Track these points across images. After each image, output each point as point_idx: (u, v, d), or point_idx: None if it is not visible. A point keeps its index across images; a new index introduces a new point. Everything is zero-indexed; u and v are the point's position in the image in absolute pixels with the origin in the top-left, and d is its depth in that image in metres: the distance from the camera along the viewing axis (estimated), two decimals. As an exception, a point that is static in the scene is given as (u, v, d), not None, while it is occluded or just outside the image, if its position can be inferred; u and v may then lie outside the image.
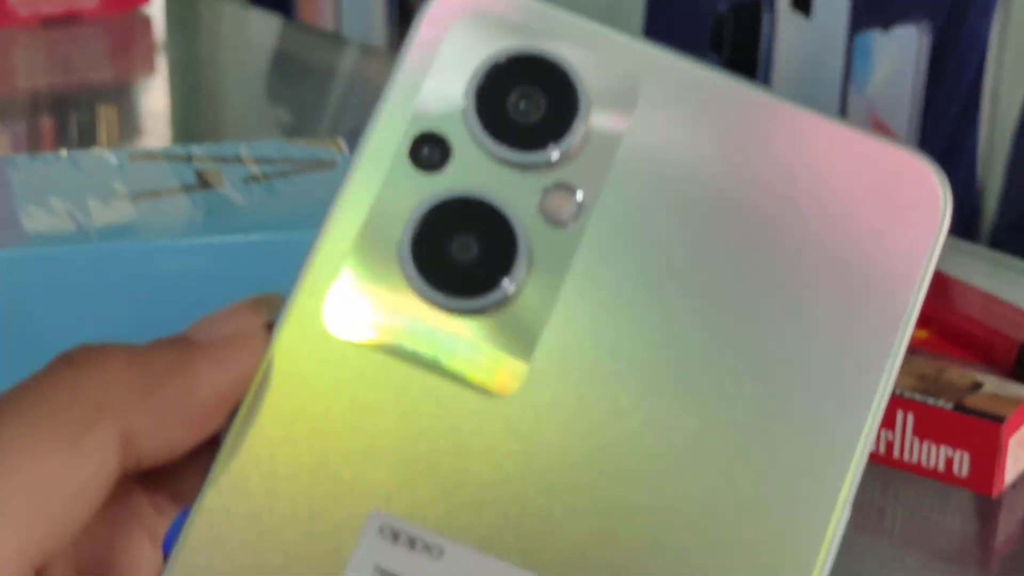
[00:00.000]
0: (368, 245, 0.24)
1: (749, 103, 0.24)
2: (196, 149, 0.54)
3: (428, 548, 0.24)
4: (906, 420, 0.62)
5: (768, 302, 0.24)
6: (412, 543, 0.24)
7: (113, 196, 0.50)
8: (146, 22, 0.98)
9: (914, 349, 0.64)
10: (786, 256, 0.24)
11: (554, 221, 0.24)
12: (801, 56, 0.83)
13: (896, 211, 0.24)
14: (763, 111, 0.24)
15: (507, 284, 0.24)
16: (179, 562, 0.24)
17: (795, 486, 0.23)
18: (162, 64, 0.96)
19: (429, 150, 0.24)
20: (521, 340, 0.24)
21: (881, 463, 0.63)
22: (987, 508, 0.61)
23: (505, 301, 0.24)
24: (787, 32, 0.82)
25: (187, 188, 0.51)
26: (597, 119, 0.24)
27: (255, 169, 0.52)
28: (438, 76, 0.24)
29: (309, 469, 0.24)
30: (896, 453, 0.62)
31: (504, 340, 0.24)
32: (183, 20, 1.00)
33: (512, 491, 0.24)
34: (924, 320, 0.66)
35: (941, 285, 0.68)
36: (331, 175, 0.52)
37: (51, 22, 0.94)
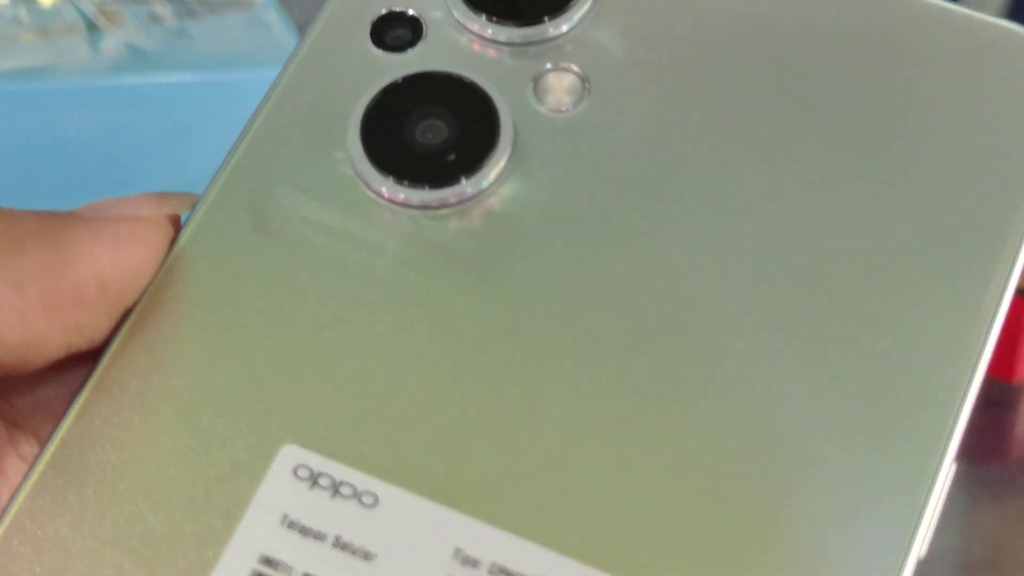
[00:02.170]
0: (311, 128, 0.21)
1: None
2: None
3: (357, 495, 0.18)
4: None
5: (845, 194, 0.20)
6: (336, 487, 0.18)
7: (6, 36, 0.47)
8: None
9: None
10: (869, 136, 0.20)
11: (550, 106, 0.20)
12: None
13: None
14: None
15: (485, 174, 0.20)
16: (23, 506, 0.19)
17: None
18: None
19: (396, 29, 0.21)
20: (501, 244, 0.20)
21: None
22: (1008, 397, 0.55)
23: (480, 196, 0.20)
24: None
25: (86, 28, 0.48)
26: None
27: (162, 8, 0.49)
28: None
29: (210, 391, 0.19)
30: None
31: (477, 243, 0.20)
32: None
33: (477, 424, 0.19)
34: None
35: None
36: (249, 16, 0.49)
37: None
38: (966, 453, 0.57)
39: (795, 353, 0.19)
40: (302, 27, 0.47)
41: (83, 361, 0.21)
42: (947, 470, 0.18)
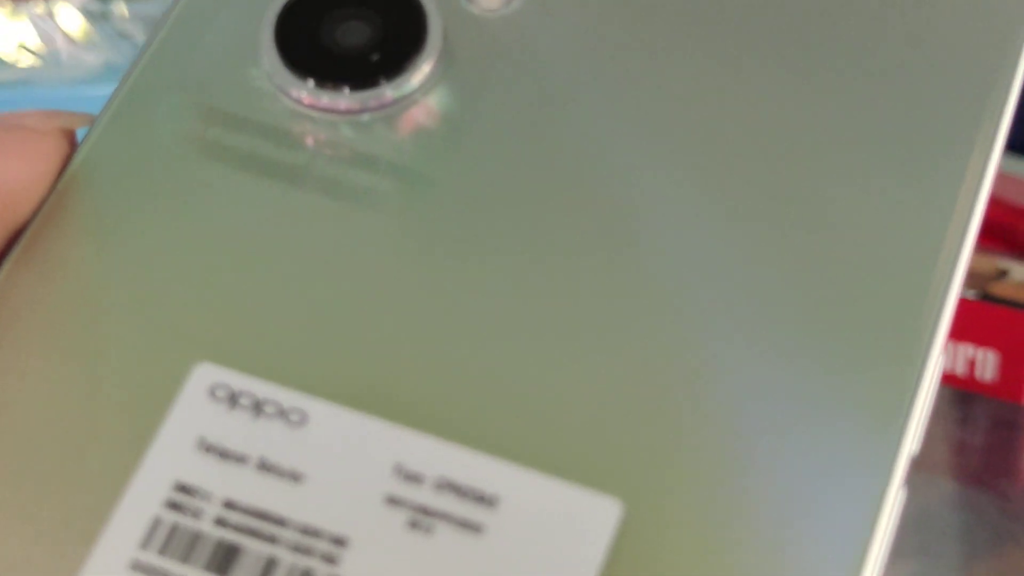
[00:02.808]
0: (218, 37, 0.19)
1: None
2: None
3: (283, 412, 0.16)
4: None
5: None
6: (257, 407, 0.16)
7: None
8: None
9: None
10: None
11: (479, 6, 0.19)
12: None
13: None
14: None
15: (410, 75, 0.18)
16: None
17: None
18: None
19: None
20: (427, 150, 0.18)
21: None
22: (1017, 419, 0.54)
23: (406, 99, 0.18)
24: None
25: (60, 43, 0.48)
26: None
27: (131, 26, 0.48)
28: None
29: (113, 312, 0.17)
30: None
31: (402, 150, 0.18)
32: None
33: (411, 332, 0.17)
34: None
35: None
36: None
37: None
38: (976, 476, 0.56)
39: (758, 252, 0.17)
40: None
41: None
42: (932, 371, 0.16)
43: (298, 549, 0.15)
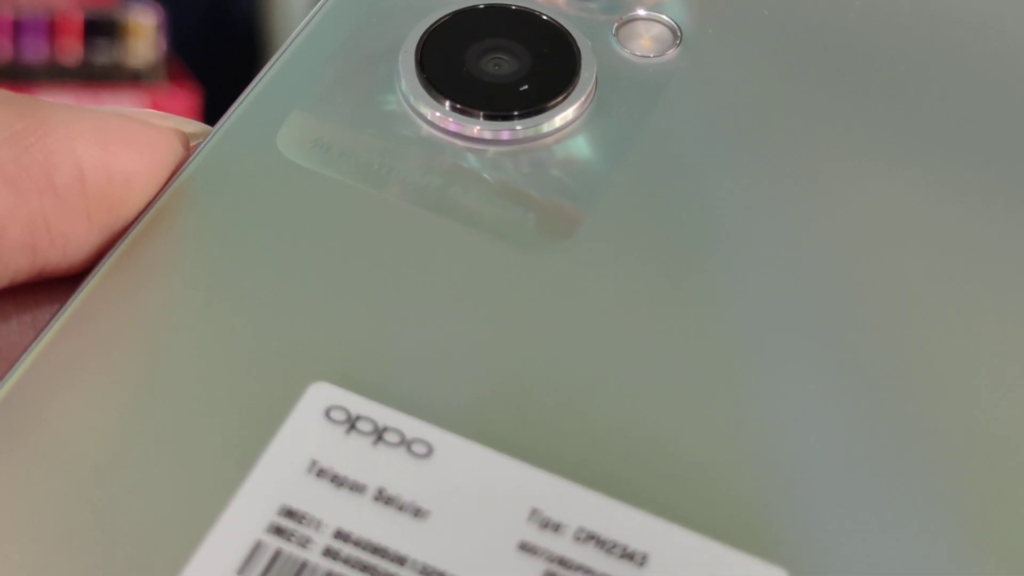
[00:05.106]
0: (353, 55, 0.18)
1: None
2: None
3: (406, 442, 0.14)
4: None
5: None
6: (379, 433, 0.15)
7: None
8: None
9: None
10: None
11: (633, 51, 0.18)
12: None
13: None
14: None
15: (561, 109, 0.17)
16: None
17: None
18: None
19: None
20: (567, 189, 0.17)
21: None
22: None
23: (550, 134, 0.17)
24: None
25: None
26: None
27: None
28: None
29: (225, 324, 0.16)
30: None
31: (542, 187, 0.17)
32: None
33: (554, 369, 0.16)
34: None
35: None
36: None
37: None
38: None
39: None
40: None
41: (57, 294, 0.17)
42: None
43: None
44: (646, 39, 0.19)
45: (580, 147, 0.17)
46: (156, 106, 0.88)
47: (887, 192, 0.17)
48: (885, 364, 0.15)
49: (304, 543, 0.14)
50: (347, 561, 0.14)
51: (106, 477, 0.14)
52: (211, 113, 0.96)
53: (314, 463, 0.14)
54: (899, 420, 0.15)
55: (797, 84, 0.18)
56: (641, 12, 0.18)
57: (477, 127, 0.17)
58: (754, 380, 0.15)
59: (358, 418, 0.15)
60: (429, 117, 0.17)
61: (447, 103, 0.17)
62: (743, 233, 0.16)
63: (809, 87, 0.18)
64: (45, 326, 0.16)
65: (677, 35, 0.18)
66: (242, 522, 0.14)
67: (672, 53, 0.18)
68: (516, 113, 0.17)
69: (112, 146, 0.17)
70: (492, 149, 0.17)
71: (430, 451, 0.14)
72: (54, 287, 0.17)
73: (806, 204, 0.17)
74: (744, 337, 0.16)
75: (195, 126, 0.18)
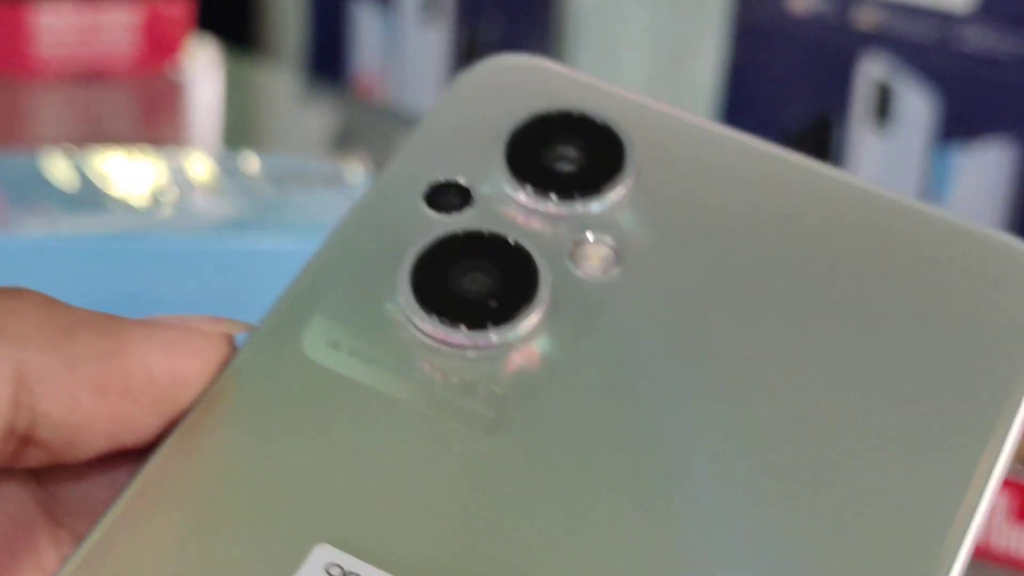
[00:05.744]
0: (365, 271, 0.23)
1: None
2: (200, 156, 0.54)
3: None
4: (999, 502, 0.56)
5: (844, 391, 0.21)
6: None
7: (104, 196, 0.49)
8: (177, 86, 0.94)
9: None
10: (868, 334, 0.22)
11: (584, 271, 0.22)
12: (877, 172, 0.79)
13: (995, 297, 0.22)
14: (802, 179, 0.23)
15: (519, 323, 0.22)
16: None
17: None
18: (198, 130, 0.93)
19: (448, 195, 0.23)
20: (521, 389, 0.21)
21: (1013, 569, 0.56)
22: None
23: (513, 343, 0.22)
24: (863, 148, 0.78)
25: (184, 192, 0.50)
26: (637, 179, 0.23)
27: (258, 182, 0.51)
28: (469, 128, 0.24)
29: (252, 496, 0.21)
30: (987, 541, 0.56)
31: (502, 386, 0.21)
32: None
33: (495, 543, 0.20)
34: None
35: None
36: (344, 193, 0.51)
37: (80, 78, 0.92)
38: None
39: (792, 502, 0.20)
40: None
41: (129, 462, 0.22)
42: None
43: None
44: (594, 259, 0.22)
45: (529, 357, 0.21)
46: (153, 17, 0.93)
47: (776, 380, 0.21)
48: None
49: None
50: None
51: None
52: (204, 22, 0.98)
53: None
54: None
55: (717, 304, 0.22)
56: (589, 236, 0.22)
57: (459, 336, 0.21)
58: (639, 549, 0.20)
59: (349, 573, 0.19)
60: (420, 327, 0.21)
61: (435, 316, 0.21)
62: (659, 429, 0.21)
63: (728, 301, 0.22)
64: (122, 488, 0.21)
65: (619, 256, 0.22)
66: None
67: (615, 272, 0.22)
68: (489, 324, 0.21)
69: (176, 355, 0.21)
70: (471, 352, 0.21)
71: None
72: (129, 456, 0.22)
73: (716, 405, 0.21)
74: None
75: (240, 327, 0.22)
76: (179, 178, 0.50)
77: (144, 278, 0.46)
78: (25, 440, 0.21)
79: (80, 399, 0.21)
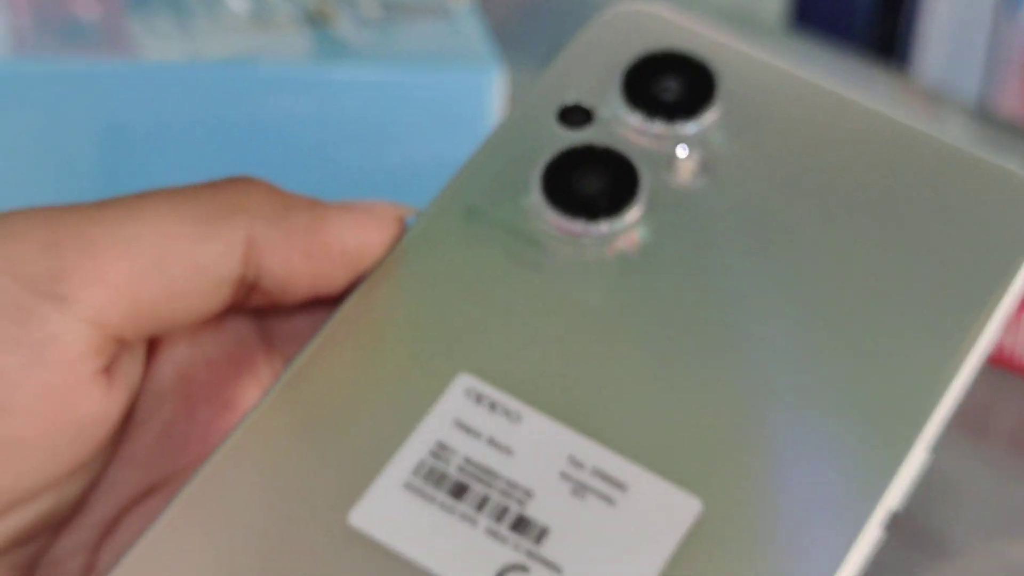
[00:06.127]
0: (508, 172, 0.28)
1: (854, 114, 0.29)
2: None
3: (507, 413, 0.25)
4: (1020, 316, 0.60)
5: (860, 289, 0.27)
6: (493, 406, 0.25)
7: (226, 23, 0.50)
8: None
9: None
10: (881, 253, 0.27)
11: (678, 179, 0.28)
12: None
13: (991, 221, 0.27)
14: (868, 122, 0.28)
15: (623, 218, 0.27)
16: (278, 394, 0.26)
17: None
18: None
19: (575, 115, 0.28)
20: (627, 265, 0.27)
21: (992, 365, 0.61)
22: None
23: (620, 231, 0.27)
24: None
25: (302, 22, 0.51)
26: (725, 108, 0.28)
27: (372, 10, 0.52)
28: (595, 62, 0.29)
29: (416, 338, 0.26)
30: (1008, 353, 0.60)
31: (610, 264, 0.27)
32: None
33: (597, 373, 0.26)
34: None
35: None
36: (451, 24, 0.52)
37: None
38: None
39: (801, 352, 0.26)
40: (500, 34, 0.52)
41: (325, 306, 0.28)
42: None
43: (503, 493, 0.24)
44: (687, 170, 0.28)
45: (629, 245, 0.27)
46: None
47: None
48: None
49: (447, 462, 0.24)
50: (468, 474, 0.24)
51: (321, 417, 0.25)
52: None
53: (457, 420, 0.25)
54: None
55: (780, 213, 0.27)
56: (683, 150, 0.28)
57: (578, 226, 0.27)
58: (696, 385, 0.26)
59: (482, 396, 0.25)
60: (548, 219, 0.27)
61: (560, 210, 0.27)
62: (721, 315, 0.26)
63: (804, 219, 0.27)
64: (321, 325, 0.27)
65: (707, 168, 0.28)
66: (416, 449, 0.25)
67: (703, 181, 0.28)
68: (601, 217, 0.27)
69: (362, 230, 0.27)
70: (586, 239, 0.27)
71: (519, 418, 0.25)
72: (325, 302, 0.28)
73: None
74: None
75: (410, 211, 0.28)
76: (295, 6, 0.51)
77: (251, 104, 0.48)
78: (252, 288, 0.26)
79: (293, 261, 0.26)
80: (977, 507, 0.55)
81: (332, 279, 0.27)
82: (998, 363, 0.60)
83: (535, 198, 0.27)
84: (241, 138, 0.48)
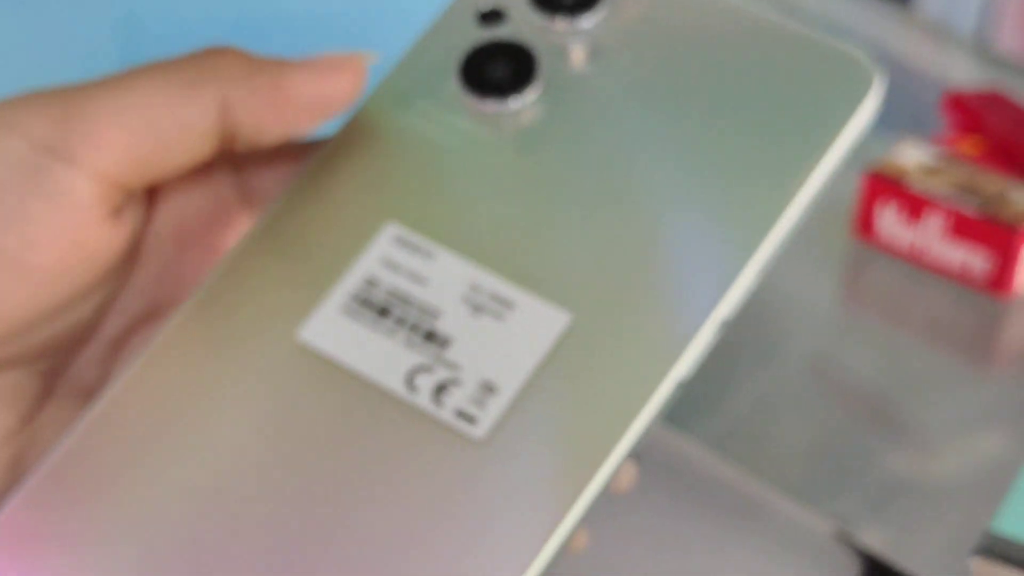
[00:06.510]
0: (437, 61, 0.33)
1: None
2: None
3: (424, 253, 0.32)
4: (933, 222, 0.65)
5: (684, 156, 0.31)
6: (413, 248, 0.32)
7: None
8: None
9: (955, 159, 0.68)
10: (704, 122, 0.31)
11: (571, 64, 0.33)
12: None
13: (818, 92, 0.31)
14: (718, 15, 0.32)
15: (524, 98, 0.32)
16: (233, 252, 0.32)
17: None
18: None
19: (490, 17, 0.33)
20: (530, 133, 0.32)
21: (909, 262, 0.66)
22: (999, 311, 0.64)
23: (524, 107, 0.32)
24: None
25: None
26: (611, 9, 0.33)
27: None
28: None
29: (357, 188, 0.32)
30: (922, 253, 0.66)
31: (514, 132, 0.32)
32: None
33: (499, 218, 0.31)
34: (974, 134, 0.70)
35: (991, 104, 0.71)
36: None
37: None
38: (962, 355, 0.65)
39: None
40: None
41: (296, 160, 0.32)
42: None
43: (418, 313, 0.30)
44: (578, 56, 0.32)
45: (527, 120, 0.32)
46: None
47: None
48: None
49: (376, 287, 0.31)
50: (391, 297, 0.31)
51: (282, 249, 0.32)
52: None
53: (385, 258, 0.31)
54: None
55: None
56: (576, 41, 0.32)
57: (490, 105, 0.32)
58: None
59: (406, 241, 0.31)
60: (465, 100, 0.33)
61: (475, 92, 0.33)
62: None
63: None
64: (289, 181, 0.33)
65: (595, 55, 0.32)
66: (354, 282, 0.31)
67: (591, 66, 0.32)
68: (508, 95, 0.32)
69: (325, 81, 0.30)
70: (491, 115, 0.32)
71: (432, 257, 0.31)
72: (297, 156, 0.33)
73: None
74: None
75: (371, 58, 0.31)
76: None
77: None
78: (230, 139, 0.30)
79: (261, 113, 0.29)
80: (951, 404, 0.59)
81: (299, 126, 0.30)
82: (962, 280, 0.65)
83: (455, 83, 0.33)
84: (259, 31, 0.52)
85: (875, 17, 0.89)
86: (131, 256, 0.32)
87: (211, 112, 0.29)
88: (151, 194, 0.32)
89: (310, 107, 0.30)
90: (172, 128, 0.29)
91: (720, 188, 0.31)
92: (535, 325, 0.30)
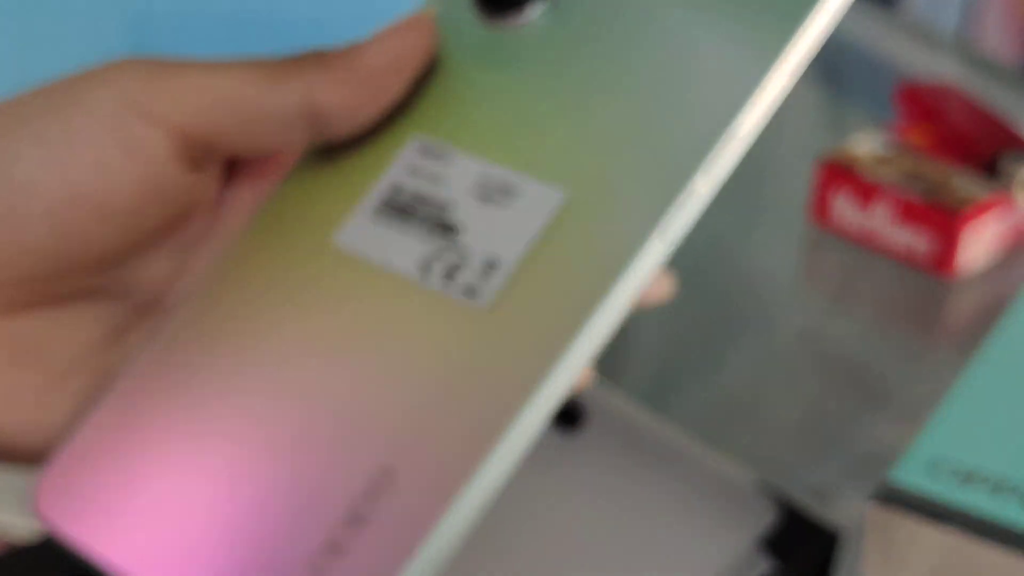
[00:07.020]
0: None
1: None
2: None
3: (441, 156, 0.35)
4: (882, 207, 0.66)
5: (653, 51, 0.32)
6: (434, 154, 0.33)
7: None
8: None
9: (904, 149, 0.70)
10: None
11: None
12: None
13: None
14: None
15: (530, 13, 0.34)
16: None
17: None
18: None
19: None
20: (535, 39, 0.34)
21: (859, 244, 0.67)
22: (943, 290, 0.65)
23: (528, 24, 0.34)
24: None
25: None
26: None
27: None
28: None
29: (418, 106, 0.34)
30: (873, 236, 0.67)
31: (522, 40, 0.34)
32: None
33: (510, 116, 0.32)
34: (925, 123, 0.71)
35: (942, 95, 0.73)
36: None
37: None
38: (907, 328, 0.66)
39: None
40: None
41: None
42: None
43: (437, 207, 0.31)
44: None
45: (531, 32, 0.33)
46: None
47: None
48: None
49: (401, 193, 0.34)
50: (412, 198, 0.34)
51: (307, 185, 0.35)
52: None
53: (410, 166, 0.34)
54: None
55: None
56: None
57: (500, 18, 0.33)
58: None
59: (428, 148, 0.34)
60: (481, 17, 0.33)
61: (486, 9, 0.33)
62: None
63: None
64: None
65: None
66: (380, 191, 0.34)
67: None
68: (513, 11, 0.33)
69: (393, 44, 0.31)
70: (508, 28, 0.33)
71: (449, 157, 0.34)
72: None
73: None
74: None
75: (429, 13, 0.32)
76: None
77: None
78: (322, 127, 0.31)
79: (347, 95, 0.31)
80: (902, 376, 0.59)
81: (385, 94, 0.32)
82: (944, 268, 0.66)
83: (474, 6, 0.34)
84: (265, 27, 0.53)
85: (861, 15, 0.92)
86: (208, 207, 0.33)
87: (293, 101, 0.31)
88: (234, 168, 0.34)
89: (388, 72, 0.31)
90: (252, 109, 0.31)
91: (703, 58, 0.31)
92: (533, 204, 0.31)
